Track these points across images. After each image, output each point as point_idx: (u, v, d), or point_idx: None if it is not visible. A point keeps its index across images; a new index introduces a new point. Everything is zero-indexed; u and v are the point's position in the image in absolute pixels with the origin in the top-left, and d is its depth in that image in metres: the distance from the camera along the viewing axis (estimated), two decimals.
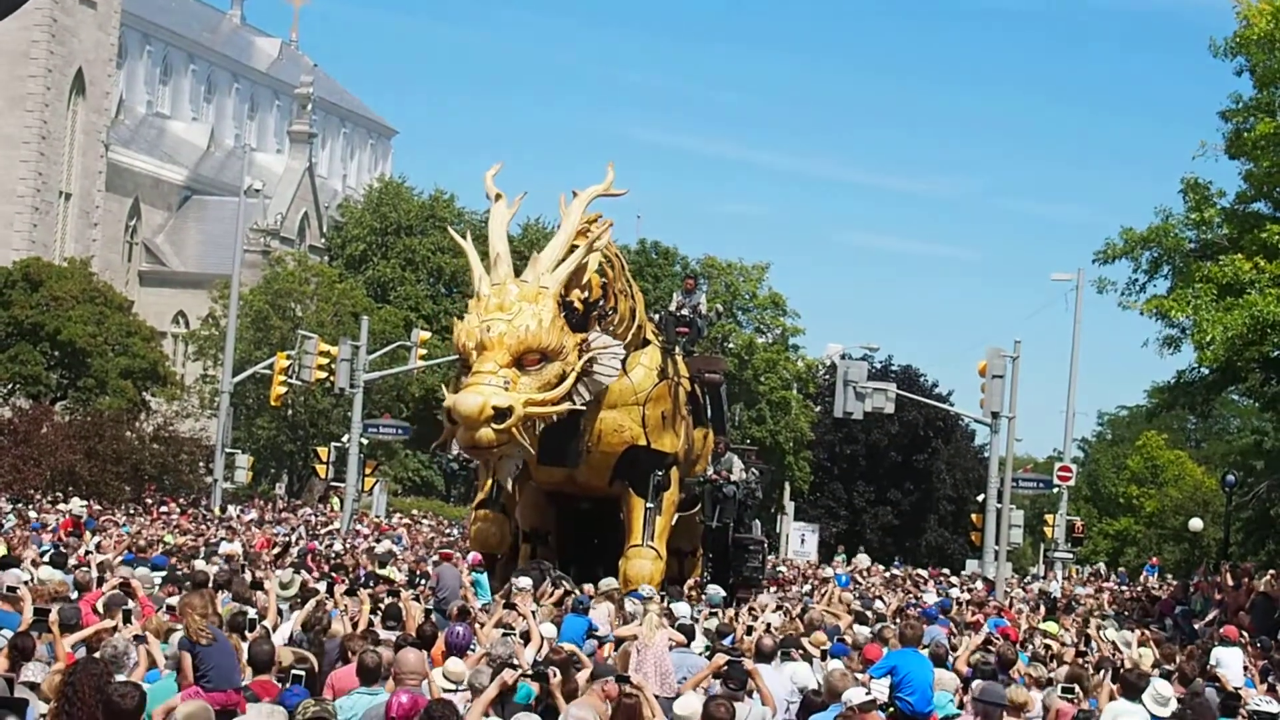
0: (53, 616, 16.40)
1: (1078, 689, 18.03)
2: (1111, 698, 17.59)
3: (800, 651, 19.99)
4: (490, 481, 30.00)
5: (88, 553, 30.51)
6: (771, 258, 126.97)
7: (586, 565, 30.29)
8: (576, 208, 28.09)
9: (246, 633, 17.00)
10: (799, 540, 64.85)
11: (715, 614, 25.15)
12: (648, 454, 29.24)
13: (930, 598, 38.20)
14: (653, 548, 29.10)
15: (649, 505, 29.23)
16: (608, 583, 26.53)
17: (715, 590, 29.58)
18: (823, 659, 20.31)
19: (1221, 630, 27.17)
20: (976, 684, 18.56)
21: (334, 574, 28.60)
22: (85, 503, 50.01)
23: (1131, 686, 17.22)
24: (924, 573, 55.90)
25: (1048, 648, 25.06)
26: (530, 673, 14.28)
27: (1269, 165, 40.37)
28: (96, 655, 14.51)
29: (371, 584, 25.68)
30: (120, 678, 14.33)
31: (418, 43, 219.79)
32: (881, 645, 20.95)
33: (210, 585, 20.41)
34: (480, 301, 26.09)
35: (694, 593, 29.79)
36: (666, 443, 29.64)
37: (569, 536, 31.89)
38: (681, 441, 30.56)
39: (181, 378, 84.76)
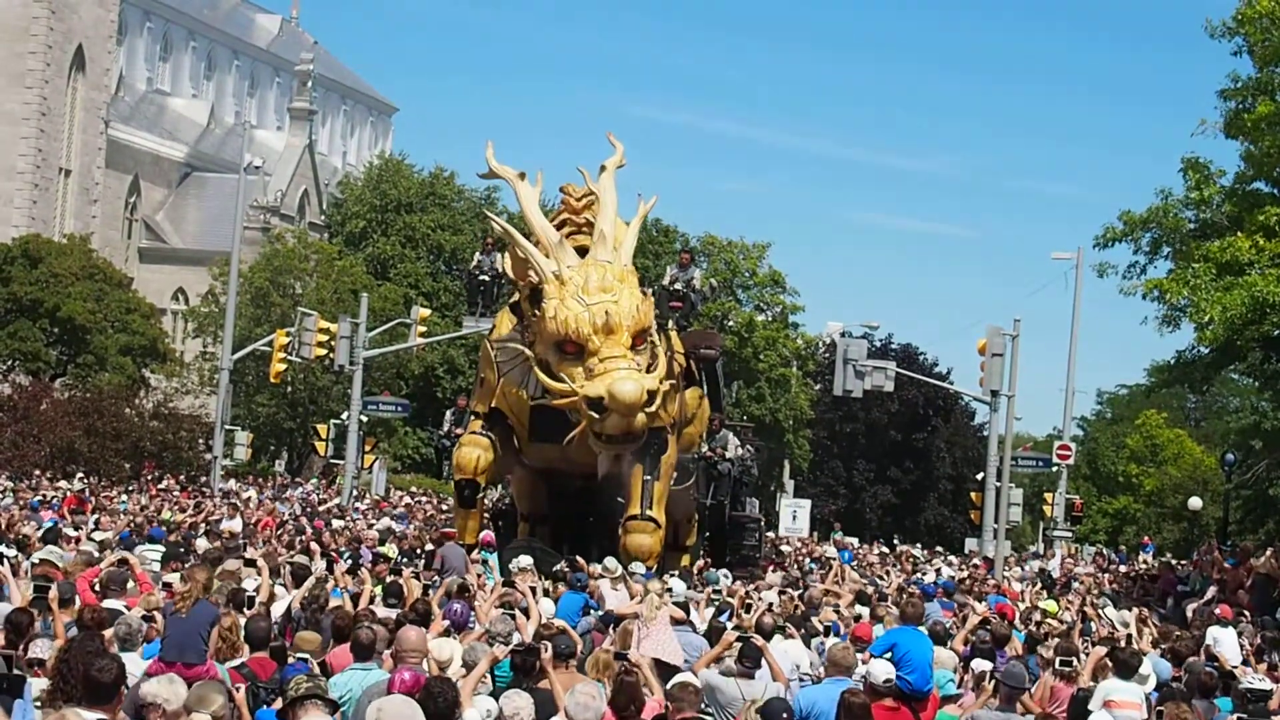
0: (52, 593, 16.41)
1: (1076, 662, 18.08)
2: (1097, 675, 17.65)
3: (802, 630, 20.05)
4: (479, 420, 29.83)
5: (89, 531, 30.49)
6: (772, 236, 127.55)
7: (580, 543, 30.03)
8: (608, 183, 27.81)
9: (245, 609, 17.01)
10: (790, 517, 64.53)
11: (719, 593, 25.12)
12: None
13: (931, 577, 38.27)
14: (651, 518, 28.58)
15: (647, 476, 28.80)
16: (620, 565, 26.09)
17: (715, 573, 29.38)
18: (825, 634, 20.34)
19: (1217, 610, 27.21)
20: (977, 662, 18.59)
21: (332, 552, 28.61)
22: (83, 479, 50.11)
23: (1124, 665, 17.25)
24: (919, 553, 55.92)
25: (1039, 625, 25.09)
26: (522, 648, 14.29)
27: (1269, 144, 40.29)
28: (107, 633, 14.58)
29: (368, 563, 25.59)
30: (131, 656, 14.39)
31: (418, 20, 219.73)
32: (875, 623, 20.99)
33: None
34: (565, 285, 25.70)
35: (698, 579, 29.71)
36: (660, 418, 29.42)
37: (563, 515, 31.66)
38: (675, 409, 30.29)
39: (181, 355, 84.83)
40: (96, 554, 22.37)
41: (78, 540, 25.89)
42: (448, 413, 37.36)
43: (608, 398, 24.68)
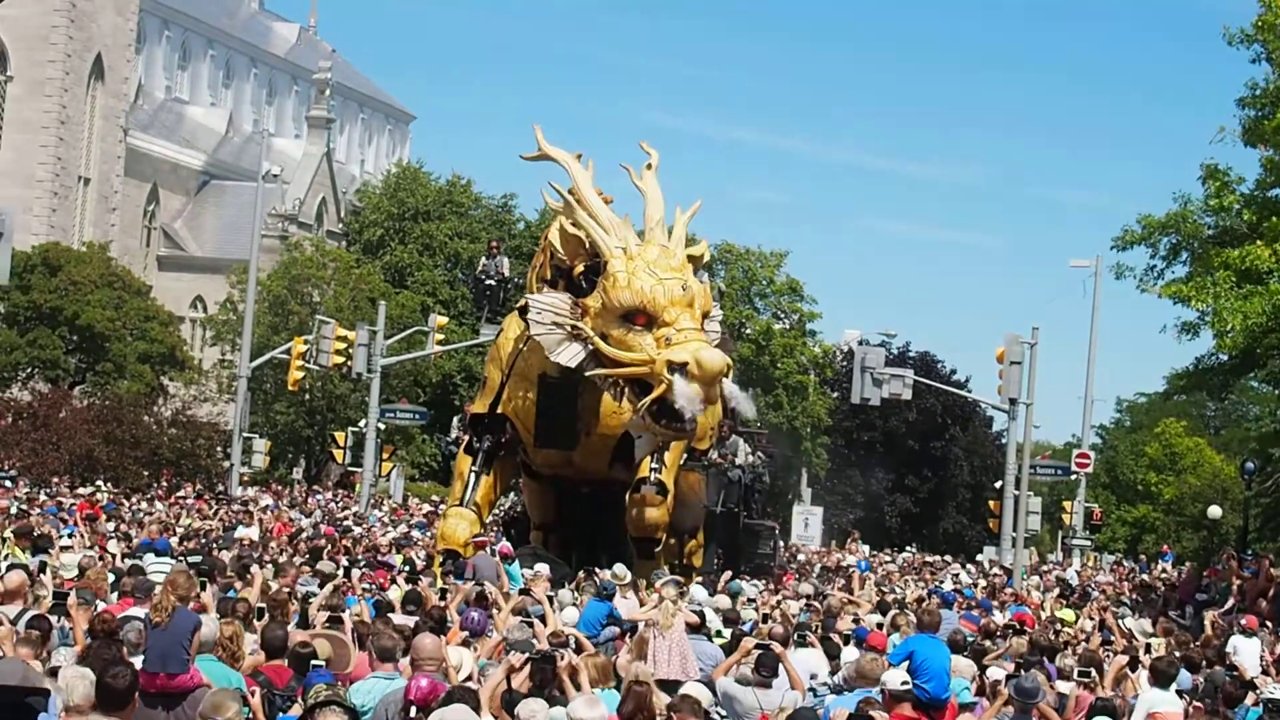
0: (71, 599, 16.41)
1: (1094, 673, 18.01)
2: (1117, 684, 17.62)
3: (817, 636, 20.01)
4: (461, 484, 29.53)
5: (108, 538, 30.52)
6: (790, 243, 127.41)
7: (590, 551, 29.85)
8: (653, 179, 27.58)
9: (256, 620, 16.98)
10: (803, 525, 64.32)
11: (753, 602, 24.89)
12: None
13: (949, 585, 38.19)
14: (659, 483, 28.35)
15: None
16: (629, 573, 25.76)
17: (739, 583, 29.10)
18: (844, 643, 20.29)
19: (1243, 620, 27.14)
20: (992, 670, 18.51)
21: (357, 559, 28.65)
22: (102, 488, 50.17)
23: (1162, 675, 17.24)
24: (940, 559, 55.80)
25: (1058, 634, 25.02)
26: (538, 655, 14.26)
27: None
28: (119, 638, 14.59)
29: (372, 569, 25.61)
30: (138, 661, 14.40)
31: (436, 28, 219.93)
32: (892, 631, 20.92)
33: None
34: (634, 259, 25.35)
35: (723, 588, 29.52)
36: None
37: (571, 522, 31.44)
38: None
39: (199, 362, 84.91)
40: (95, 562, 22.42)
41: (70, 548, 25.92)
42: (455, 419, 37.25)
43: (693, 363, 24.03)
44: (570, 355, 25.97)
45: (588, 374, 26.19)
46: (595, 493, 30.12)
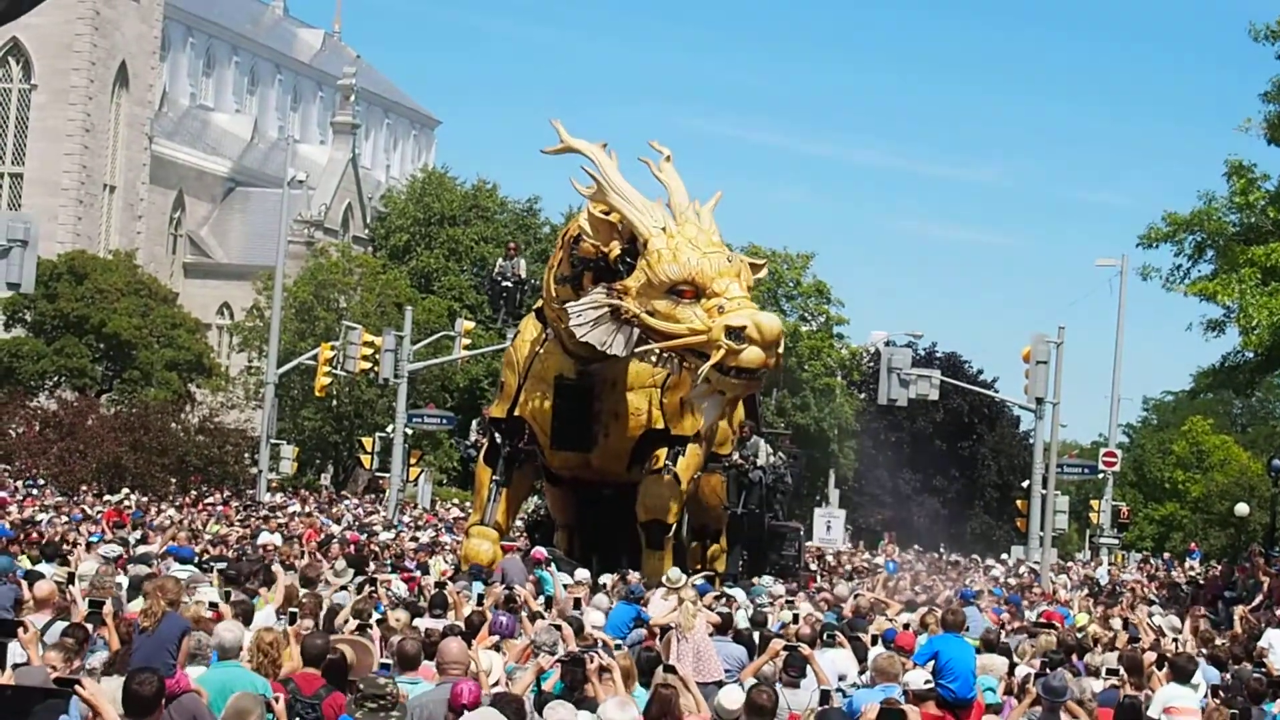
0: (106, 608, 16.47)
1: (1123, 671, 17.99)
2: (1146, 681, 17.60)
3: (847, 637, 20.01)
4: (483, 499, 29.53)
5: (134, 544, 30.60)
6: (815, 245, 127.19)
7: (612, 553, 29.83)
8: (672, 169, 27.43)
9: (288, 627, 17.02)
10: (824, 527, 63.85)
11: (792, 602, 24.85)
12: (667, 439, 28.45)
13: (980, 584, 38.12)
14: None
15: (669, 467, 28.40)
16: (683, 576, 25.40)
17: (760, 587, 28.98)
18: (872, 644, 20.29)
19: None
20: (1020, 668, 18.49)
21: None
22: (128, 494, 50.31)
23: (1180, 670, 17.22)
24: (968, 559, 55.68)
25: (1082, 632, 24.99)
26: (568, 658, 14.31)
27: None
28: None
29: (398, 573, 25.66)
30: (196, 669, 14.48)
31: (460, 33, 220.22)
32: (921, 631, 20.90)
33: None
34: (674, 236, 25.14)
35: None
36: (686, 425, 28.58)
37: (592, 525, 31.25)
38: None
39: (226, 369, 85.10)
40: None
41: (86, 553, 25.97)
42: (474, 422, 37.22)
43: (751, 327, 23.86)
44: (623, 344, 25.78)
45: (638, 350, 26.06)
46: (616, 495, 30.01)
